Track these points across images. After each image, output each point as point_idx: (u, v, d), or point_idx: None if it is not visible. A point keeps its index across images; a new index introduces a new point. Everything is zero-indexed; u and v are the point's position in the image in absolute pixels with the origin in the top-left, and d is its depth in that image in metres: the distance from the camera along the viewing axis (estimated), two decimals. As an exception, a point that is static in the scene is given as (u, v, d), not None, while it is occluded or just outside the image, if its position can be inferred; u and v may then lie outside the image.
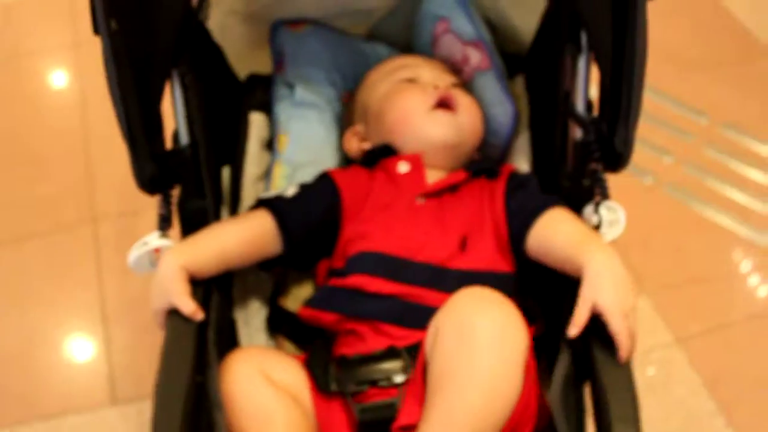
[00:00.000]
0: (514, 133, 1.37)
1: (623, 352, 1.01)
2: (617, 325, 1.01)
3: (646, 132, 2.15)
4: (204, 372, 1.08)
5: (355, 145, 1.38)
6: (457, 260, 1.20)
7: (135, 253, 1.15)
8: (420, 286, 1.17)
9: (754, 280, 1.88)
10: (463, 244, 1.21)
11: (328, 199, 1.27)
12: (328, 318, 1.19)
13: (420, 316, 1.13)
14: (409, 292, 1.17)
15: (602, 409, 0.97)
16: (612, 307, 1.01)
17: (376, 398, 1.10)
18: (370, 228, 1.23)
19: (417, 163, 1.28)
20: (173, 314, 1.10)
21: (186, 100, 1.18)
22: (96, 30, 1.02)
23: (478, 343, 0.99)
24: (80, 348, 1.82)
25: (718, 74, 2.31)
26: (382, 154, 1.32)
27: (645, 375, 1.71)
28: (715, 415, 1.65)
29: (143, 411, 1.68)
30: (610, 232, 1.13)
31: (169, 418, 0.98)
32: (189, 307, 1.10)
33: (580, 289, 1.05)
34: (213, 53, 1.32)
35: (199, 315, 1.10)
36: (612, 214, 1.13)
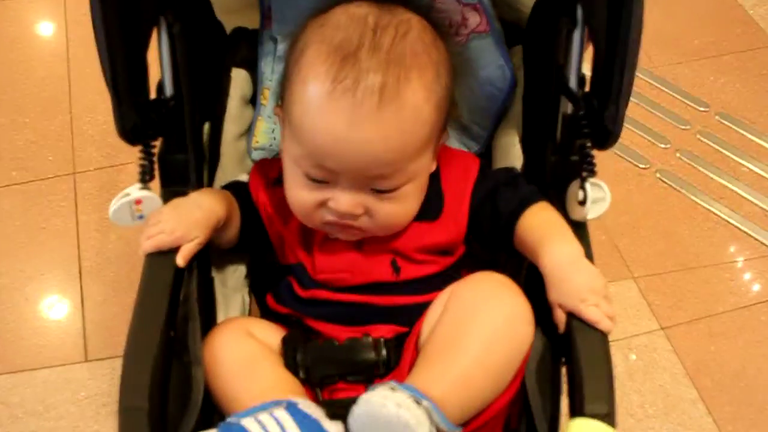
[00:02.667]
0: (509, 99, 1.34)
1: (605, 331, 1.01)
2: (590, 317, 1.00)
3: (643, 117, 2.17)
4: (177, 326, 1.07)
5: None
6: (391, 277, 1.15)
7: (116, 204, 1.14)
8: (370, 295, 1.14)
9: (742, 270, 1.89)
10: (394, 266, 1.16)
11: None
12: (287, 312, 1.19)
13: (377, 314, 1.13)
14: (361, 300, 1.14)
15: (576, 386, 0.97)
16: (578, 304, 1.01)
17: (344, 394, 1.09)
18: (293, 248, 1.20)
19: None
20: (153, 260, 1.09)
21: (172, 50, 1.15)
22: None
23: (488, 319, 1.02)
24: (54, 303, 1.82)
25: (720, 64, 2.32)
26: None
27: (628, 360, 1.72)
28: (696, 402, 1.66)
29: (115, 368, 1.67)
30: (594, 209, 1.12)
31: (139, 369, 0.97)
32: (188, 256, 1.09)
33: (547, 294, 1.05)
34: (200, 4, 1.30)
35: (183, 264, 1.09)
36: (597, 191, 1.12)
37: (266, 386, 1.05)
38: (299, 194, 1.09)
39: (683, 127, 2.15)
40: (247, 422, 0.92)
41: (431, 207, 1.15)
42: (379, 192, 1.06)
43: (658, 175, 2.04)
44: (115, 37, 1.02)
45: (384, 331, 1.12)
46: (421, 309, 1.11)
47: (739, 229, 1.94)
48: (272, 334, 1.14)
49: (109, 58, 1.02)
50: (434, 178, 1.16)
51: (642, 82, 2.24)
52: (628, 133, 2.12)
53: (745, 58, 2.33)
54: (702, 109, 2.19)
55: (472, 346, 1.00)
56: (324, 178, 1.05)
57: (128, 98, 1.06)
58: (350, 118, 0.99)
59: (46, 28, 2.40)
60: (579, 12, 1.13)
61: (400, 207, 1.09)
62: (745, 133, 2.13)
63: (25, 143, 2.08)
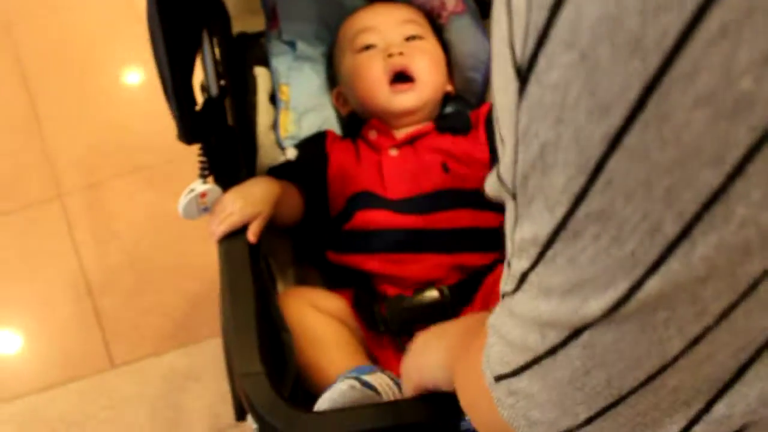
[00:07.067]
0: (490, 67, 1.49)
1: None
2: None
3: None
4: (263, 299, 1.16)
5: (340, 106, 1.50)
6: (446, 182, 1.32)
7: (183, 200, 1.22)
8: (422, 214, 1.29)
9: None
10: (444, 167, 1.34)
11: (321, 158, 1.39)
12: (350, 260, 1.29)
13: (436, 240, 1.27)
14: (414, 222, 1.28)
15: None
16: None
17: None
18: (359, 180, 1.35)
19: (381, 126, 1.40)
20: (227, 243, 1.19)
21: (213, 55, 1.28)
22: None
23: None
24: (70, 320, 1.85)
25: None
26: (356, 125, 1.44)
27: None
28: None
29: (142, 369, 1.76)
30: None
31: (247, 339, 1.06)
32: (258, 231, 1.20)
33: None
34: (225, 16, 1.41)
35: (254, 240, 1.20)
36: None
37: (342, 355, 1.17)
38: (367, 70, 1.39)
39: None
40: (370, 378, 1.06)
41: (462, 125, 1.41)
42: (408, 39, 1.41)
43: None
44: (173, 60, 1.12)
45: (441, 269, 1.25)
46: (468, 237, 1.27)
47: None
48: (332, 303, 1.26)
49: (170, 75, 1.12)
50: (465, 110, 1.48)
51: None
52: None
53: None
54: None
55: None
56: (369, 40, 1.41)
57: (186, 106, 1.18)
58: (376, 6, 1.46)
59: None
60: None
61: (432, 60, 1.42)
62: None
63: (5, 173, 2.11)
